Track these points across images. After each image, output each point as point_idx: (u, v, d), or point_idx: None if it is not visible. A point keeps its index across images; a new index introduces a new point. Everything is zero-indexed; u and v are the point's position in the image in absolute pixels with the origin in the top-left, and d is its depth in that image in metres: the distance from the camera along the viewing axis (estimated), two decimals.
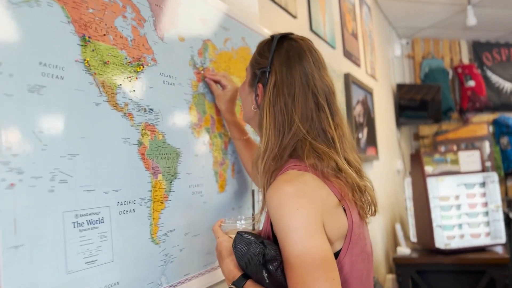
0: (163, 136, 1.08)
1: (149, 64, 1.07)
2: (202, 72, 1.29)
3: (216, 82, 1.30)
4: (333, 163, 0.88)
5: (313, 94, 0.96)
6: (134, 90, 1.01)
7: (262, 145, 0.96)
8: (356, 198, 0.89)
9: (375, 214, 0.96)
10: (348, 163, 0.93)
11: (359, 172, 0.96)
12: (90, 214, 0.86)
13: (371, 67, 3.67)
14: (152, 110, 1.06)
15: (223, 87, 1.31)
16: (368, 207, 0.94)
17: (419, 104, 4.86)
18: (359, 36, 3.35)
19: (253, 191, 1.29)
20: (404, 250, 3.12)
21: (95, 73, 0.90)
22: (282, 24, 1.96)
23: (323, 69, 1.01)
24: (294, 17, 2.10)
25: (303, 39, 1.05)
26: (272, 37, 1.05)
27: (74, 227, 0.82)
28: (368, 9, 3.76)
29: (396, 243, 3.59)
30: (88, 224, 0.85)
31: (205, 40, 1.32)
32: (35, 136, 0.77)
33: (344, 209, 0.88)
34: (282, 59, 0.99)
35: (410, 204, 3.32)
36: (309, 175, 0.87)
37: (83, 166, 0.85)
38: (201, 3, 1.31)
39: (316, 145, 0.91)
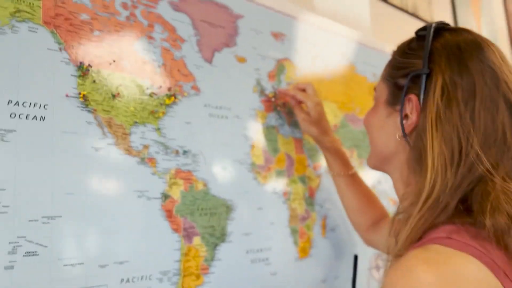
0: (204, 185, 0.82)
1: (186, 94, 0.83)
2: (273, 99, 1.00)
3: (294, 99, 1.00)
4: None
5: (507, 100, 0.59)
6: (159, 128, 0.78)
7: (426, 188, 0.57)
8: None
9: None
10: None
11: None
12: None
13: None
14: (187, 152, 0.81)
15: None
16: None
17: None
18: None
19: (355, 258, 0.93)
20: None
21: (95, 110, 0.70)
22: (408, 34, 1.54)
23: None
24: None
25: (470, 30, 0.67)
26: (419, 34, 0.68)
27: None
28: None
29: None
30: None
31: (280, 60, 1.04)
32: None
33: None
34: (449, 52, 0.63)
35: None
36: (471, 260, 0.50)
37: (66, 232, 0.65)
38: (272, 13, 1.04)
39: (510, 189, 0.54)
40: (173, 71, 0.82)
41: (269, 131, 0.97)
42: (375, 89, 0.77)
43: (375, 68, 1.33)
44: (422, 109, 0.61)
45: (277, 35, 1.05)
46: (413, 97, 0.63)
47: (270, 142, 0.97)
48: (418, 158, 0.61)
